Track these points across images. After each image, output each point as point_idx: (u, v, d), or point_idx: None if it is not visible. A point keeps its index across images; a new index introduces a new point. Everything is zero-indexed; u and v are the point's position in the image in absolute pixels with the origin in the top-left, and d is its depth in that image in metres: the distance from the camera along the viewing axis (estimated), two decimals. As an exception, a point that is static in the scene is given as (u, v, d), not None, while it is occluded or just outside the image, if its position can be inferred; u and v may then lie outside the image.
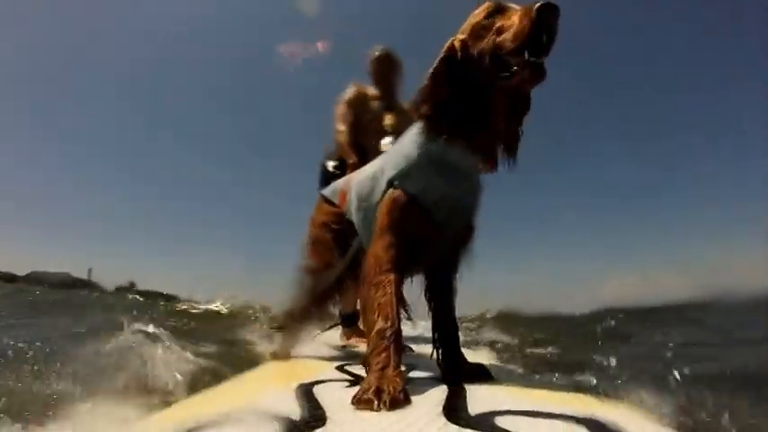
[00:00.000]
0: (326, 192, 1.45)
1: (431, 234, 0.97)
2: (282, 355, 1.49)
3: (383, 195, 1.01)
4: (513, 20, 0.82)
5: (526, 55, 0.80)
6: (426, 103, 0.94)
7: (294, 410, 0.67)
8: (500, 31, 0.85)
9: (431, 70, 0.95)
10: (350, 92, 2.26)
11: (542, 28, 0.77)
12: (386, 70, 2.33)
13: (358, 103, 2.24)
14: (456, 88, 0.92)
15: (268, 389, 0.95)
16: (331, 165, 2.24)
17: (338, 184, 1.42)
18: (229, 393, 1.00)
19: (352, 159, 2.11)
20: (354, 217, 1.19)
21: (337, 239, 1.32)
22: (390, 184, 0.99)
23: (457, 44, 0.94)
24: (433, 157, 0.95)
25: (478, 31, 0.90)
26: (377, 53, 2.35)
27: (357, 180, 1.22)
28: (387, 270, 0.89)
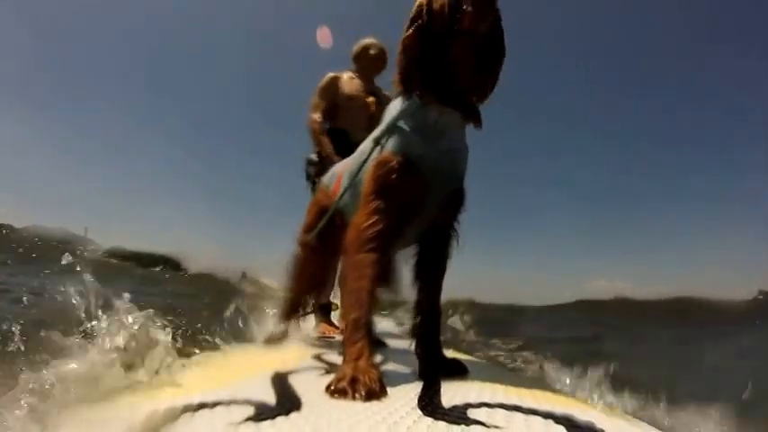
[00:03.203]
0: (325, 178, 1.39)
1: (418, 194, 0.92)
2: (276, 340, 1.52)
3: (366, 161, 0.98)
4: None
5: None
6: (401, 67, 0.95)
7: (269, 397, 0.66)
8: None
9: (402, 36, 0.95)
10: (324, 80, 2.22)
11: None
12: (370, 61, 2.29)
13: (332, 89, 2.20)
14: (424, 45, 0.93)
15: (244, 376, 0.93)
16: (313, 156, 2.21)
17: (336, 168, 1.36)
18: (205, 380, 0.98)
19: (325, 150, 2.06)
20: (347, 197, 1.12)
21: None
22: (374, 147, 0.98)
23: (424, 2, 0.94)
24: (411, 116, 0.94)
25: None
26: (363, 44, 2.31)
27: (351, 159, 1.19)
28: (368, 248, 0.85)
